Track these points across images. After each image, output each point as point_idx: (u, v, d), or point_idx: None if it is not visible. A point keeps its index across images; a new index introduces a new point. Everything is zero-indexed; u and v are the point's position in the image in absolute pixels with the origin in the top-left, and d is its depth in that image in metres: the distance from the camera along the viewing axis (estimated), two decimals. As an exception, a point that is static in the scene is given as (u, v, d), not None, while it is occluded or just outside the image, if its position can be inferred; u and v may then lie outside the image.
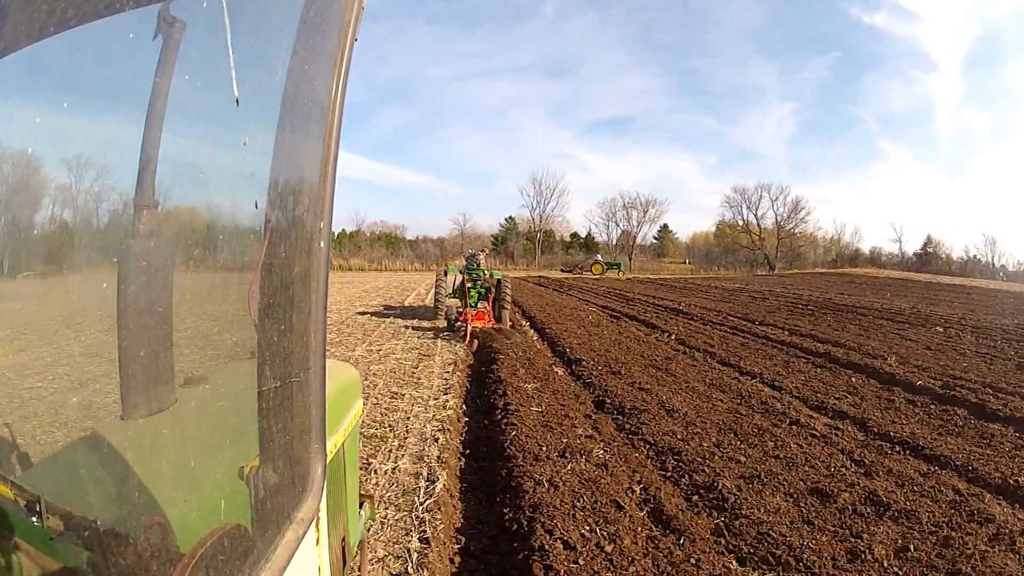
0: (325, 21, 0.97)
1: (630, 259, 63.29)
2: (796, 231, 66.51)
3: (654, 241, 70.55)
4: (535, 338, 11.81)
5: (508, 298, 12.90)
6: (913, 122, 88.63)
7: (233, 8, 0.84)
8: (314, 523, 1.03)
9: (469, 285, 13.26)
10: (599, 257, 55.35)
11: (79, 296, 0.99)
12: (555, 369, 8.62)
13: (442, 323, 13.04)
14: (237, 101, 0.85)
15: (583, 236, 70.88)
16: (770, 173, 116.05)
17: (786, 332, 12.55)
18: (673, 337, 11.67)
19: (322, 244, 0.97)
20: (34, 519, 0.84)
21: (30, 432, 1.16)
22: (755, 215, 67.48)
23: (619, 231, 69.40)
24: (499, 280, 13.13)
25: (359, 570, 2.30)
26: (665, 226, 71.42)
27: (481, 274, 13.61)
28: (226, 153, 1.00)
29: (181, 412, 1.03)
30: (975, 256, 62.88)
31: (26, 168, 0.95)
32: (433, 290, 15.30)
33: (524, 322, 14.12)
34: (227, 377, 1.17)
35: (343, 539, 1.85)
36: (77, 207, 1.02)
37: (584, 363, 8.81)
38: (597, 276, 46.89)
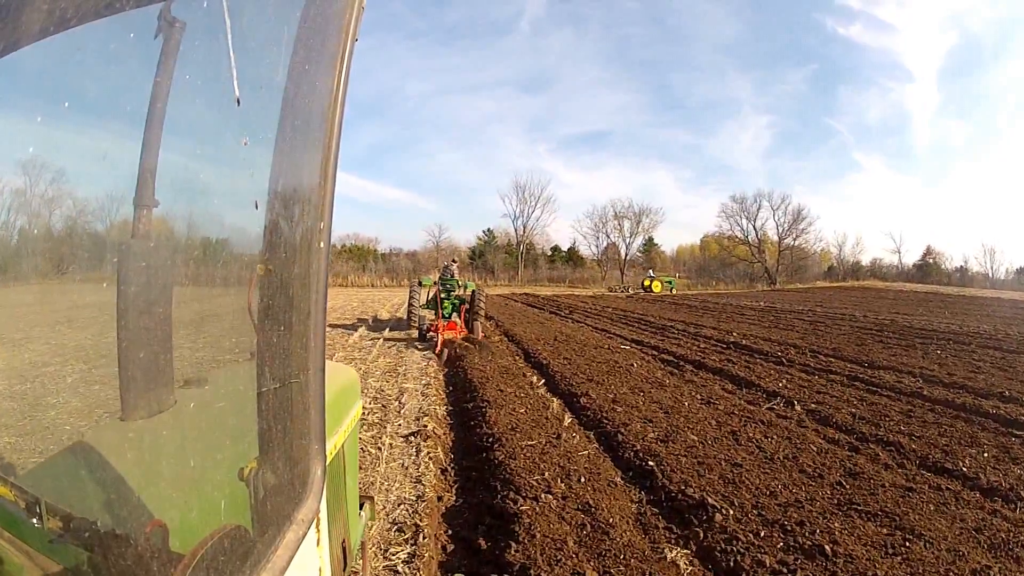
0: (325, 21, 0.97)
1: (622, 274, 60.09)
2: (797, 243, 62.44)
3: (639, 255, 65.73)
4: (570, 421, 6.24)
5: (482, 310, 12.98)
6: (891, 132, 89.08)
7: (233, 8, 0.84)
8: (314, 524, 1.03)
9: (443, 296, 13.29)
10: (651, 272, 49.72)
11: (79, 297, 0.98)
12: (669, 552, 3.42)
13: (415, 334, 13.15)
14: (238, 101, 0.85)
15: (564, 250, 66.64)
16: (746, 187, 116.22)
17: (919, 380, 8.78)
18: (798, 407, 6.98)
19: (322, 245, 0.96)
20: (34, 520, 0.83)
21: (30, 433, 1.16)
22: (754, 226, 63.32)
23: (606, 243, 65.30)
24: (473, 291, 13.25)
25: (360, 571, 2.30)
26: (651, 239, 67.30)
27: (455, 285, 13.62)
28: (226, 153, 1.00)
29: (181, 413, 1.03)
30: (964, 266, 62.96)
31: (26, 168, 0.95)
32: (407, 302, 15.12)
33: (537, 378, 8.67)
34: (227, 378, 1.17)
35: (344, 540, 1.85)
36: (76, 207, 1.02)
37: (718, 520, 3.74)
38: (655, 295, 40.00)
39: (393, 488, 4.47)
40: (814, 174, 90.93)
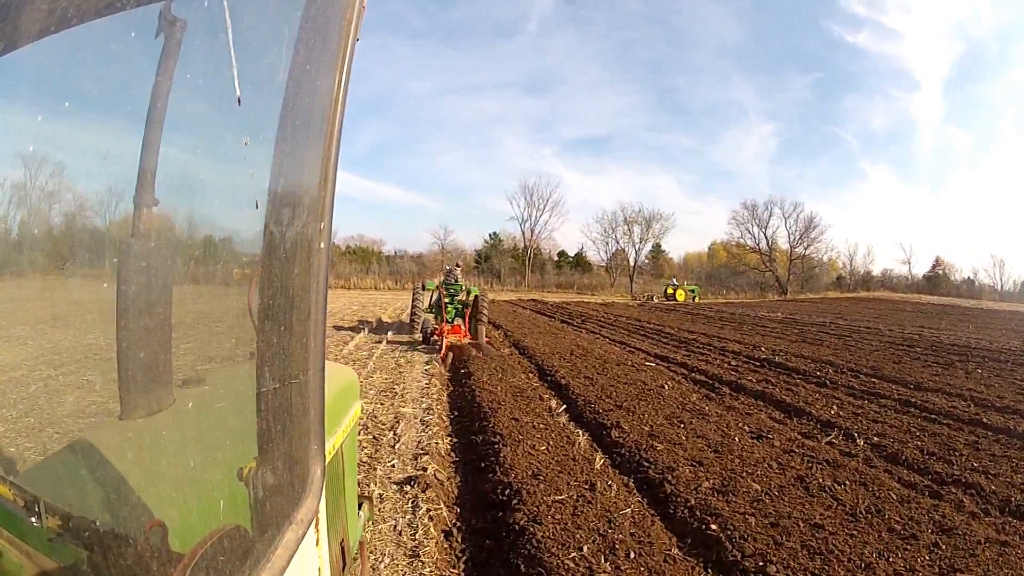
0: (326, 20, 0.97)
1: (631, 281, 58.97)
2: (809, 252, 60.86)
3: (646, 261, 64.46)
4: (602, 463, 5.21)
5: (485, 314, 13.10)
6: (897, 140, 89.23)
7: (234, 7, 0.84)
8: (313, 524, 1.03)
9: (446, 300, 13.46)
10: (674, 280, 48.58)
11: (78, 296, 0.98)
12: None
13: (418, 336, 13.32)
14: (238, 101, 0.85)
15: (571, 255, 64.75)
16: (750, 194, 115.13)
17: (971, 404, 8.25)
18: (860, 441, 6.26)
19: (322, 245, 0.96)
20: (33, 520, 0.83)
21: (29, 432, 1.15)
22: (765, 234, 61.45)
23: (614, 248, 63.43)
24: (476, 296, 13.34)
25: (359, 570, 2.30)
26: (658, 245, 65.93)
27: (458, 289, 13.79)
28: (227, 153, 0.99)
29: (180, 413, 1.03)
30: (971, 277, 62.85)
31: (26, 167, 0.95)
32: (410, 305, 15.23)
33: (557, 403, 7.58)
34: (226, 378, 1.17)
35: (343, 540, 1.85)
36: (77, 206, 1.02)
37: None
38: (668, 304, 39.24)
39: (382, 566, 3.34)
40: (819, 182, 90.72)
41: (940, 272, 64.11)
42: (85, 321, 1.04)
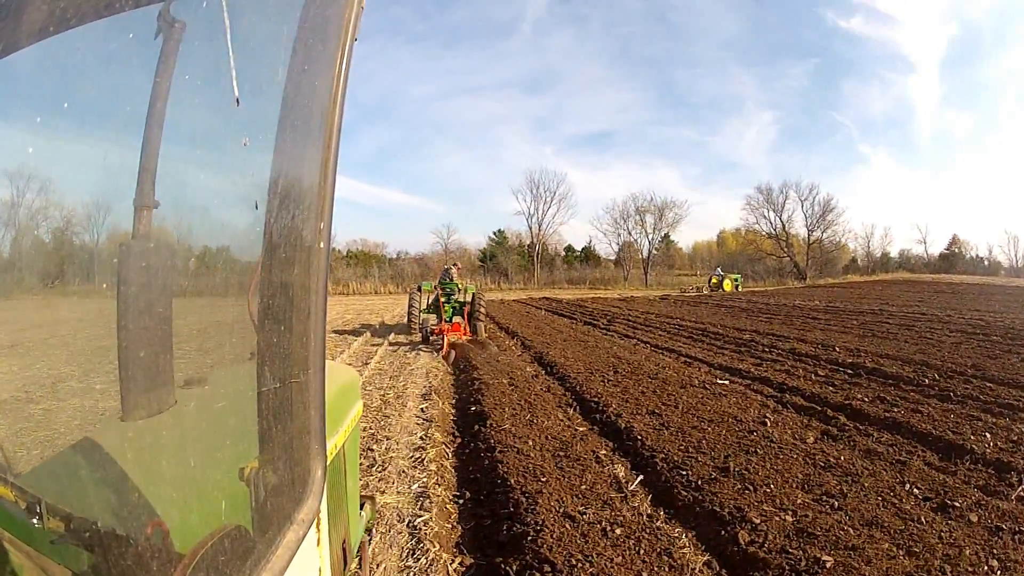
0: (325, 21, 0.97)
1: (645, 273, 57.52)
2: (826, 235, 58.09)
3: (655, 252, 61.21)
4: None
5: (482, 312, 13.38)
6: (896, 123, 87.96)
7: (233, 8, 0.84)
8: (314, 524, 1.03)
9: (443, 300, 13.71)
10: (719, 270, 45.74)
11: (79, 297, 0.98)
12: None
13: (417, 337, 13.38)
14: (237, 101, 0.85)
15: (578, 249, 62.79)
16: (753, 182, 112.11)
17: None
18: None
19: (322, 245, 0.96)
20: (35, 521, 0.83)
21: (30, 433, 1.15)
22: (781, 219, 58.58)
23: (623, 240, 60.91)
24: (473, 294, 13.61)
25: (360, 571, 2.30)
26: (667, 235, 63.02)
27: (455, 288, 13.97)
28: (226, 153, 1.00)
29: (181, 413, 1.03)
30: (979, 255, 62.40)
31: (24, 167, 0.95)
32: (407, 307, 15.18)
33: (624, 468, 4.81)
34: (227, 378, 1.17)
35: (344, 540, 1.85)
36: (77, 207, 1.02)
37: None
38: (702, 295, 37.31)
39: None
40: (820, 168, 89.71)
41: (956, 251, 62.67)
42: (46, 345, 1.03)
